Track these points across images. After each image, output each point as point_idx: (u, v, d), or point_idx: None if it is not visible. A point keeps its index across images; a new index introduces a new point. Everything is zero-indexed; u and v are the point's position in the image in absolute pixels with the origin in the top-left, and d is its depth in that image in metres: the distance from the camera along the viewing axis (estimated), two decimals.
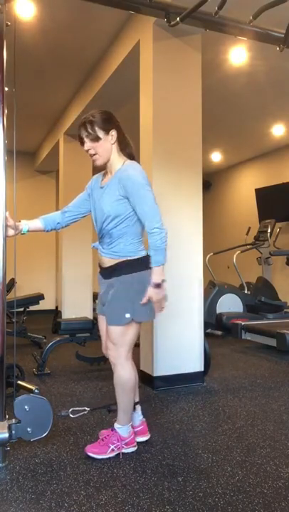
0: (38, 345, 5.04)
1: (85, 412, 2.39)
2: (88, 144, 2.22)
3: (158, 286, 2.17)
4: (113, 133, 2.23)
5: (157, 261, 2.17)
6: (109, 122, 2.22)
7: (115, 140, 2.24)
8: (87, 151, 2.24)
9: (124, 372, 2.24)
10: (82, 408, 2.40)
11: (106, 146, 2.22)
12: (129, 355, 2.27)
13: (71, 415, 2.30)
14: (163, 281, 2.20)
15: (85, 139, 2.22)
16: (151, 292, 2.18)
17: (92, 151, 2.23)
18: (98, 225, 2.31)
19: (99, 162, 2.26)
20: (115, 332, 2.23)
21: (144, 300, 2.18)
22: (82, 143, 2.24)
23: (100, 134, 2.20)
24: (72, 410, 2.32)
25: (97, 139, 2.20)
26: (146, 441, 2.42)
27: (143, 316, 2.23)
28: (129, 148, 2.33)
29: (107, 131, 2.21)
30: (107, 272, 2.28)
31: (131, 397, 2.28)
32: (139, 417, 2.43)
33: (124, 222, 2.21)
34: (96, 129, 2.19)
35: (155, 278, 2.18)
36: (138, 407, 2.43)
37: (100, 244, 2.33)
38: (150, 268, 2.21)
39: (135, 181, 2.16)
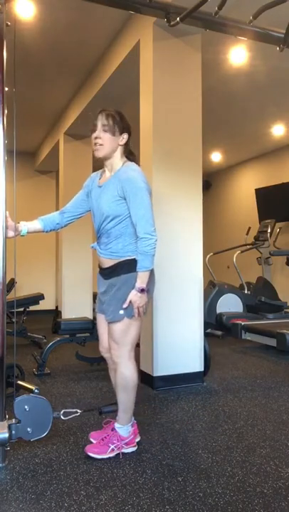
0: (38, 345, 5.04)
1: (77, 414, 2.39)
2: (100, 133, 2.23)
3: (142, 291, 2.17)
4: (125, 136, 2.26)
5: (144, 266, 2.17)
6: (125, 125, 2.27)
7: (124, 143, 2.27)
8: (95, 138, 2.24)
9: (127, 372, 2.24)
10: (74, 410, 2.39)
11: (114, 143, 2.24)
12: (132, 354, 2.27)
13: (62, 417, 2.30)
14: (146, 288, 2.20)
15: (99, 127, 2.23)
16: (134, 296, 2.17)
17: (99, 141, 2.23)
18: (97, 224, 2.31)
19: (100, 153, 2.26)
20: (117, 331, 2.23)
21: (125, 304, 2.18)
22: (94, 130, 2.25)
23: (115, 130, 2.22)
24: (63, 412, 2.32)
25: (110, 132, 2.22)
26: (146, 441, 2.43)
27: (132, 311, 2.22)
28: (133, 157, 2.34)
29: (121, 131, 2.24)
30: (107, 273, 2.29)
31: (132, 397, 2.28)
32: None
33: (123, 222, 2.21)
34: (114, 124, 2.22)
35: (140, 283, 2.17)
36: None
37: (97, 245, 2.34)
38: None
39: (135, 184, 2.16)
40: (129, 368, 2.25)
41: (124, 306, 2.19)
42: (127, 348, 2.25)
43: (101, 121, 2.23)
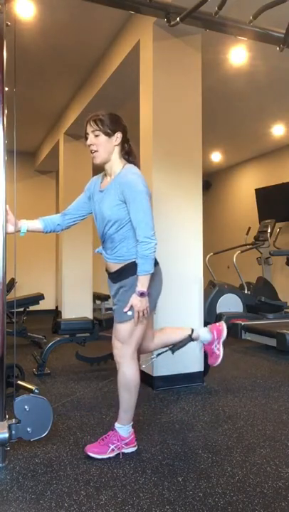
0: (38, 345, 5.04)
1: (154, 357, 2.69)
2: (92, 140, 2.23)
3: (142, 294, 2.17)
4: (118, 135, 2.24)
5: (144, 270, 2.17)
6: (116, 124, 2.24)
7: (119, 142, 2.25)
8: (89, 146, 2.24)
9: (129, 371, 2.24)
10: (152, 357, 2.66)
11: (108, 146, 2.23)
12: (135, 354, 2.28)
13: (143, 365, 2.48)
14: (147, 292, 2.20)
15: (90, 134, 2.23)
16: (134, 300, 2.18)
17: (94, 148, 2.23)
18: (100, 229, 2.31)
19: (97, 160, 2.27)
20: (123, 331, 2.24)
21: (126, 308, 2.19)
22: (86, 138, 2.25)
23: (106, 131, 2.21)
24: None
25: (102, 136, 2.21)
26: (146, 441, 2.42)
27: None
28: (132, 157, 2.32)
29: (113, 132, 2.22)
30: (115, 276, 2.30)
31: (134, 397, 2.28)
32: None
33: (126, 226, 2.21)
34: (103, 127, 2.20)
35: (140, 286, 2.17)
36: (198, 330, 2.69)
37: (103, 250, 2.34)
38: (157, 265, 2.24)
39: (135, 188, 2.16)
40: (132, 367, 2.25)
41: (125, 310, 2.19)
42: (131, 349, 2.25)
43: (89, 128, 2.23)
